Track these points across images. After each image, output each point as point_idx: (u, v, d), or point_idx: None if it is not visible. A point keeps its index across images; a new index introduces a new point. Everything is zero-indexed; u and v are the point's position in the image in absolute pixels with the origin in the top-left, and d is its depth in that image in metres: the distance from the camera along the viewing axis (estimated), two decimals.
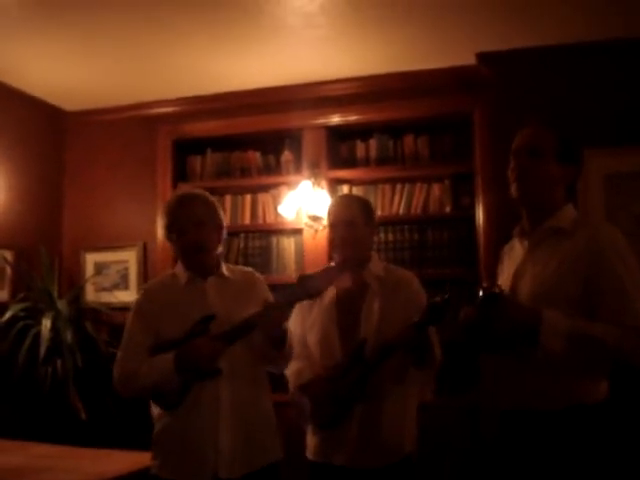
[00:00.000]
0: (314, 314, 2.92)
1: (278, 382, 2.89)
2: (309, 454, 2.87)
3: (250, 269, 2.93)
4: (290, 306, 2.56)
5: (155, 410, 2.65)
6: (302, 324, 2.96)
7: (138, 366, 2.56)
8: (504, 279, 2.43)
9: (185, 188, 2.90)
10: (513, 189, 2.34)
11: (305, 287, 2.51)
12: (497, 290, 2.13)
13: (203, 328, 2.55)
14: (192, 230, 2.65)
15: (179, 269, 2.75)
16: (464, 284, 4.34)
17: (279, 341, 2.56)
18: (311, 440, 2.87)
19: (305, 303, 2.95)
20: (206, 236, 2.68)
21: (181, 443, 2.54)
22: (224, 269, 2.76)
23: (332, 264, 2.86)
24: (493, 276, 2.60)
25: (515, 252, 2.45)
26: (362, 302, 2.83)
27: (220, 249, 2.79)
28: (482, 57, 4.31)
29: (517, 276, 2.32)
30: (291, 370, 2.89)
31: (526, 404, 2.20)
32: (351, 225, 2.87)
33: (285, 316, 2.55)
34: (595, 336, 2.04)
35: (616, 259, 2.13)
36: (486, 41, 4.16)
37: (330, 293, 2.90)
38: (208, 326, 2.55)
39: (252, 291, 2.77)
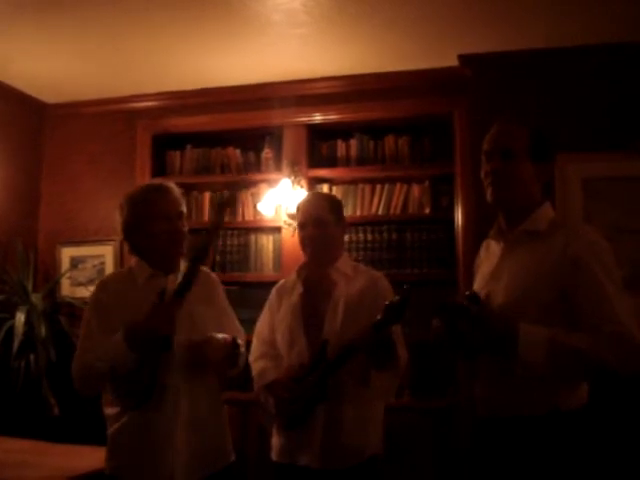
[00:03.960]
0: (282, 313, 2.91)
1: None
2: (274, 455, 2.85)
3: (206, 268, 2.88)
4: None
5: (110, 410, 2.58)
6: (270, 323, 2.95)
7: (93, 358, 2.47)
8: (479, 279, 2.42)
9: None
10: (488, 194, 2.28)
11: None
12: (465, 301, 2.11)
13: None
14: (175, 220, 2.59)
15: (137, 264, 2.65)
16: (442, 285, 4.36)
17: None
18: (276, 441, 2.85)
19: (274, 301, 2.98)
20: (185, 228, 2.65)
21: (139, 445, 2.48)
22: (182, 267, 2.68)
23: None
24: (471, 275, 2.58)
25: (491, 252, 2.42)
26: (327, 301, 2.81)
27: None
28: (464, 59, 4.32)
29: (493, 278, 2.29)
30: (256, 370, 2.88)
31: (504, 410, 2.18)
32: (320, 225, 2.85)
33: None
34: (574, 345, 2.00)
35: (596, 264, 2.08)
36: (468, 43, 4.17)
37: (297, 291, 2.90)
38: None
39: (211, 292, 2.76)
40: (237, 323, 2.84)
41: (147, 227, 2.57)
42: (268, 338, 2.92)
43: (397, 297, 2.53)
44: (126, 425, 2.51)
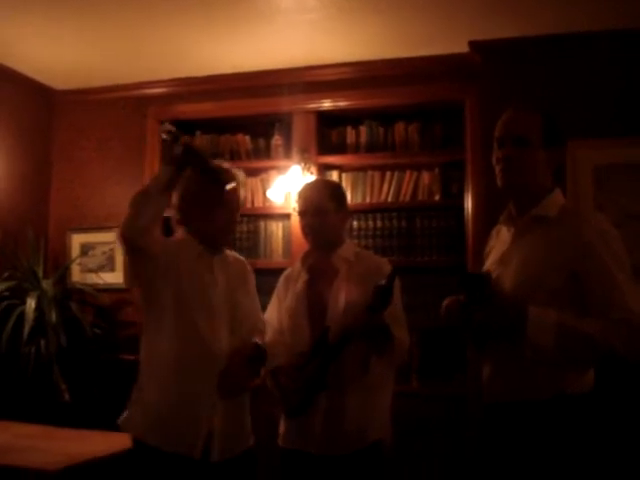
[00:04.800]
0: (288, 300, 2.93)
1: None
2: (280, 441, 2.87)
3: (242, 257, 2.92)
4: None
5: (144, 382, 2.60)
6: (277, 311, 2.97)
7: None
8: (489, 265, 2.42)
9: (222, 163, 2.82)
10: (499, 180, 2.29)
11: None
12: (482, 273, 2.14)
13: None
14: (235, 212, 2.69)
15: (188, 239, 2.66)
16: (452, 272, 4.36)
17: None
18: (282, 427, 2.88)
19: (281, 290, 3.01)
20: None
21: (176, 417, 2.50)
22: (226, 251, 2.78)
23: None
24: (481, 262, 2.59)
25: (502, 238, 2.42)
26: (330, 288, 2.81)
27: None
28: (474, 45, 4.29)
29: (502, 263, 2.29)
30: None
31: (511, 395, 2.19)
32: (320, 213, 2.84)
33: None
34: (583, 330, 2.02)
35: (606, 253, 2.10)
36: (479, 29, 4.14)
37: (302, 279, 2.91)
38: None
39: (246, 279, 2.82)
40: (261, 313, 2.90)
41: (210, 209, 2.61)
42: (277, 326, 2.93)
43: (383, 281, 2.53)
44: (162, 397, 2.53)
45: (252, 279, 2.86)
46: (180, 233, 2.72)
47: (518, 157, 2.24)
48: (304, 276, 2.91)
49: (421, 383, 4.43)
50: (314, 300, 2.82)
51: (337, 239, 2.92)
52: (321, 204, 2.84)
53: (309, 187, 2.99)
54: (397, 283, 2.74)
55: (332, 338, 2.65)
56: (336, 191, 2.96)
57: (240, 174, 2.73)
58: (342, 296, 2.77)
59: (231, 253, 2.85)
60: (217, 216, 2.62)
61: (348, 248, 2.94)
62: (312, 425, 2.71)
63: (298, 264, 2.99)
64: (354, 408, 2.70)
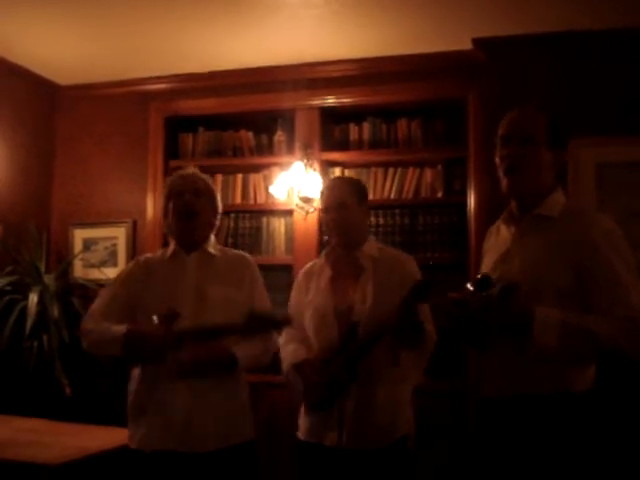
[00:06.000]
0: (310, 296, 2.94)
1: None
2: (300, 434, 2.87)
3: (245, 254, 2.95)
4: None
5: (131, 386, 2.71)
6: (298, 306, 2.98)
7: (93, 326, 2.72)
8: (488, 263, 2.41)
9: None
10: (503, 180, 2.28)
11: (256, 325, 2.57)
12: (475, 285, 2.12)
13: (168, 325, 2.53)
14: (188, 195, 2.74)
15: (170, 245, 2.83)
16: (454, 269, 4.35)
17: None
18: (303, 420, 2.87)
19: (302, 285, 3.02)
20: (201, 205, 2.76)
21: (152, 415, 2.58)
22: (210, 247, 2.80)
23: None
24: (479, 259, 2.59)
25: (501, 237, 2.41)
26: (356, 284, 2.83)
27: (212, 235, 2.86)
28: (478, 42, 4.29)
29: (504, 263, 2.28)
30: (286, 352, 2.90)
31: (512, 390, 2.19)
32: (343, 208, 2.88)
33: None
34: (588, 329, 2.02)
35: (610, 250, 2.10)
36: (482, 26, 4.13)
37: (325, 275, 2.93)
38: (172, 323, 2.53)
39: (242, 274, 2.82)
40: (267, 305, 2.90)
41: (166, 207, 2.81)
42: (297, 321, 2.93)
43: (423, 278, 2.64)
44: (139, 398, 2.65)
45: (250, 273, 2.86)
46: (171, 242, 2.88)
47: (524, 155, 2.24)
48: (328, 272, 2.93)
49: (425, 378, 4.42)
50: (340, 297, 2.84)
51: (361, 235, 2.96)
52: (344, 200, 2.90)
53: (332, 184, 3.07)
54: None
55: (361, 334, 2.69)
56: (358, 187, 3.02)
57: (194, 169, 2.91)
58: (369, 293, 2.80)
59: (226, 250, 2.94)
60: (168, 209, 2.79)
61: (371, 245, 2.97)
62: (340, 418, 2.71)
63: (321, 259, 3.02)
64: (385, 401, 2.73)
